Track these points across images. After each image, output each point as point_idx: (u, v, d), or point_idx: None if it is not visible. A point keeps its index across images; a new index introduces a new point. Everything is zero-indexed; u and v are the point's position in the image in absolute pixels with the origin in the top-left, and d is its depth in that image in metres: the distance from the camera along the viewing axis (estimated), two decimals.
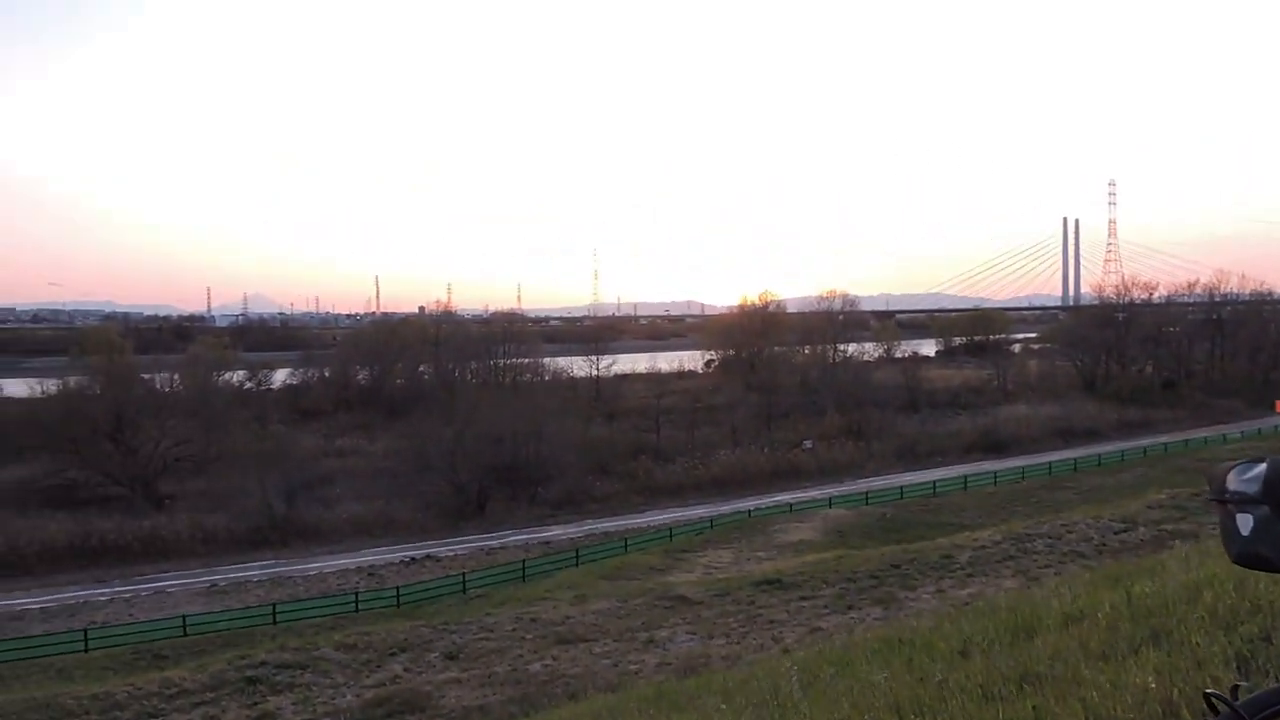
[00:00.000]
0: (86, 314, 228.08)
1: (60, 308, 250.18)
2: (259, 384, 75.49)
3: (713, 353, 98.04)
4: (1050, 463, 56.13)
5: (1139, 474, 51.87)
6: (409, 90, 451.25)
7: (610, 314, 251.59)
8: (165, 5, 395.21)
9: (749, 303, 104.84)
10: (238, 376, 73.88)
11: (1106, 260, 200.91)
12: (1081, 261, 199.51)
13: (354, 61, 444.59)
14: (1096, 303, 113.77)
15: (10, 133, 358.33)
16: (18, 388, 70.24)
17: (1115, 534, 29.06)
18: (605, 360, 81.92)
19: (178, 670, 22.67)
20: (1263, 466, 1.67)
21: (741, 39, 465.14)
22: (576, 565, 35.96)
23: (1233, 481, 1.72)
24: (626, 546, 38.67)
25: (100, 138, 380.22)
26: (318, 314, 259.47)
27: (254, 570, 38.12)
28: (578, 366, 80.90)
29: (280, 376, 79.52)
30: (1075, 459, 57.26)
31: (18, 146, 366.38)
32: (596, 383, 78.51)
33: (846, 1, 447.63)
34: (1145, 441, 63.23)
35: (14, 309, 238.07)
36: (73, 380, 60.52)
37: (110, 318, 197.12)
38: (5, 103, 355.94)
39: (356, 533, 43.16)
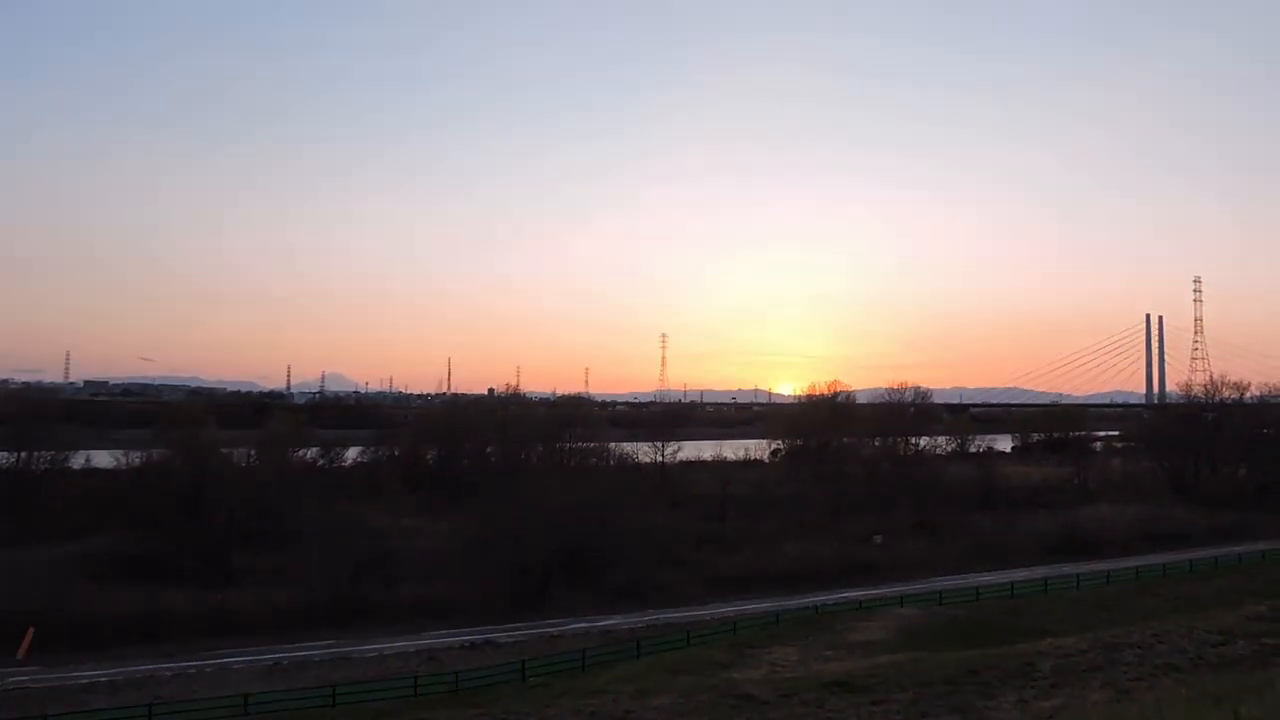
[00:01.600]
0: (174, 388, 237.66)
1: (149, 382, 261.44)
2: (331, 461, 76.99)
3: (780, 442, 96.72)
4: (1137, 567, 53.36)
5: (1235, 582, 48.87)
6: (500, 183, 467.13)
7: (677, 400, 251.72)
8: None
9: (818, 391, 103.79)
10: (311, 453, 75.52)
11: (1193, 358, 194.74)
12: (1166, 359, 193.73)
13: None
14: (1183, 401, 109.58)
15: (108, 214, 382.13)
16: (105, 459, 73.02)
17: (1212, 646, 27.16)
18: (671, 447, 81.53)
19: None
20: None
21: (822, 124, 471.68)
22: (638, 657, 35.10)
23: None
24: (689, 639, 37.65)
25: (190, 220, 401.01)
26: (391, 393, 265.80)
27: (316, 649, 38.12)
28: (644, 452, 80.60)
29: (352, 454, 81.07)
30: (1164, 564, 54.34)
31: (116, 227, 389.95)
32: (662, 469, 78.01)
33: (942, 93, 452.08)
34: (1240, 548, 59.78)
35: (106, 382, 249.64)
36: (155, 453, 62.71)
37: (196, 393, 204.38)
38: (105, 187, 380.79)
39: (418, 614, 42.96)
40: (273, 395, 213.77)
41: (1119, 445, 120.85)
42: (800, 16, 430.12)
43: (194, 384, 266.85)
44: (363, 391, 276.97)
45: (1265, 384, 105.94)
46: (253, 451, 66.65)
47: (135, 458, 62.69)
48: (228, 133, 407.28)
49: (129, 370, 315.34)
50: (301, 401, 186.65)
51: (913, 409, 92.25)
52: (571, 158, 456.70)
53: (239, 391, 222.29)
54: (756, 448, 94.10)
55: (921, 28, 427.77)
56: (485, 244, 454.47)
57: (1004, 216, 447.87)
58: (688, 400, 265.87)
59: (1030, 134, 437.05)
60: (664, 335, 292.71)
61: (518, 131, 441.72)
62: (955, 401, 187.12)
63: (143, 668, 35.34)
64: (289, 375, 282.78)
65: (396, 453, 79.95)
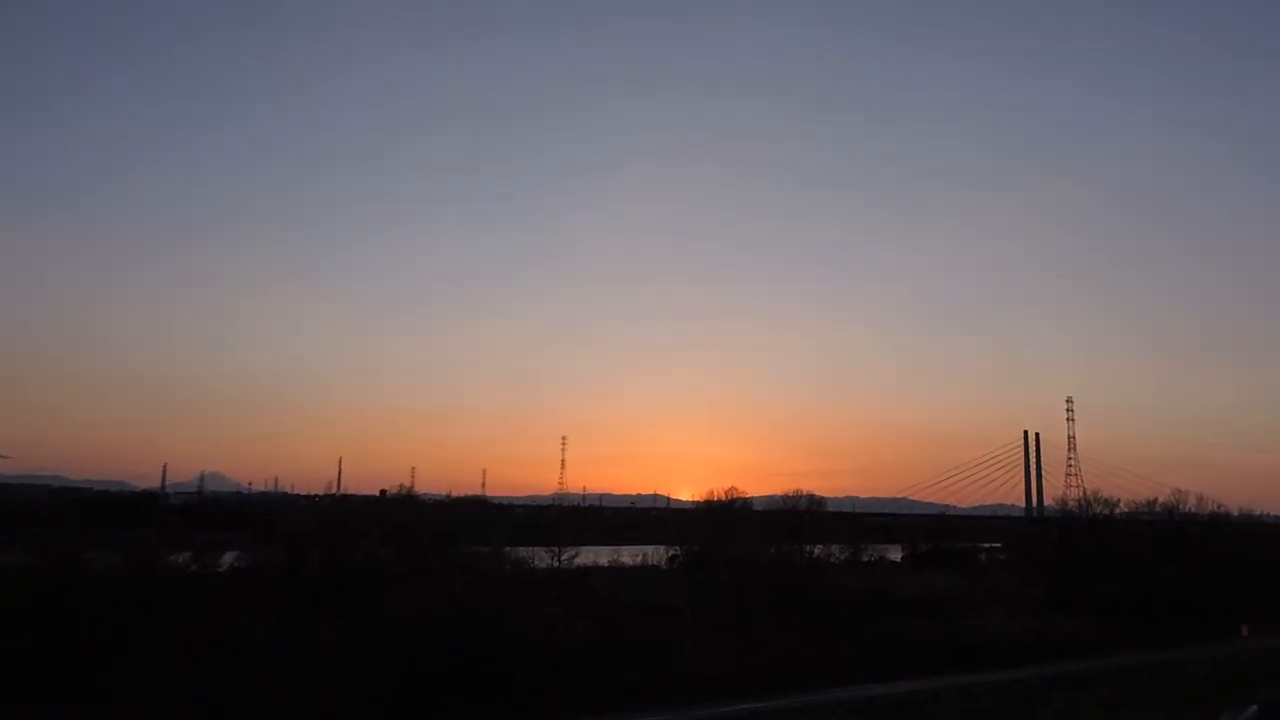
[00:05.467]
0: (34, 487, 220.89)
1: (6, 481, 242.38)
2: (207, 566, 72.40)
3: (677, 547, 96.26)
4: (1022, 678, 54.49)
5: (1113, 694, 50.37)
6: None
7: (576, 503, 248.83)
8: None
9: (715, 497, 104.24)
10: (184, 558, 70.81)
11: (1067, 474, 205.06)
12: (1044, 474, 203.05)
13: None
14: (1059, 514, 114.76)
15: None
16: None
17: None
18: (568, 551, 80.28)
19: None
20: (1254, 709, 1.75)
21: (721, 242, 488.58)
22: None
23: None
24: None
25: (53, 305, 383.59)
26: (276, 494, 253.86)
27: None
28: (540, 557, 79.03)
29: (231, 558, 76.57)
30: (1047, 675, 55.71)
31: None
32: (559, 574, 76.41)
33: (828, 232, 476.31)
34: (1113, 661, 61.94)
35: None
36: (9, 558, 57.49)
37: (59, 493, 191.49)
38: None
39: None
40: (145, 496, 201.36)
41: (1003, 557, 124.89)
42: (697, 134, 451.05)
43: (57, 483, 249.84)
44: (245, 492, 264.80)
45: (1133, 500, 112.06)
46: (119, 557, 62.11)
47: None
48: (99, 215, 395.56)
49: None
50: (178, 503, 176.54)
51: (807, 517, 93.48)
52: (468, 253, 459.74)
53: (107, 491, 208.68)
54: (654, 553, 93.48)
55: (824, 139, 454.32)
56: (378, 340, 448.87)
57: (892, 330, 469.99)
58: (587, 504, 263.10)
59: (920, 259, 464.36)
60: (564, 437, 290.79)
61: (411, 225, 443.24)
62: (848, 510, 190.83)
63: None
64: (164, 474, 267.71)
65: (280, 557, 75.86)
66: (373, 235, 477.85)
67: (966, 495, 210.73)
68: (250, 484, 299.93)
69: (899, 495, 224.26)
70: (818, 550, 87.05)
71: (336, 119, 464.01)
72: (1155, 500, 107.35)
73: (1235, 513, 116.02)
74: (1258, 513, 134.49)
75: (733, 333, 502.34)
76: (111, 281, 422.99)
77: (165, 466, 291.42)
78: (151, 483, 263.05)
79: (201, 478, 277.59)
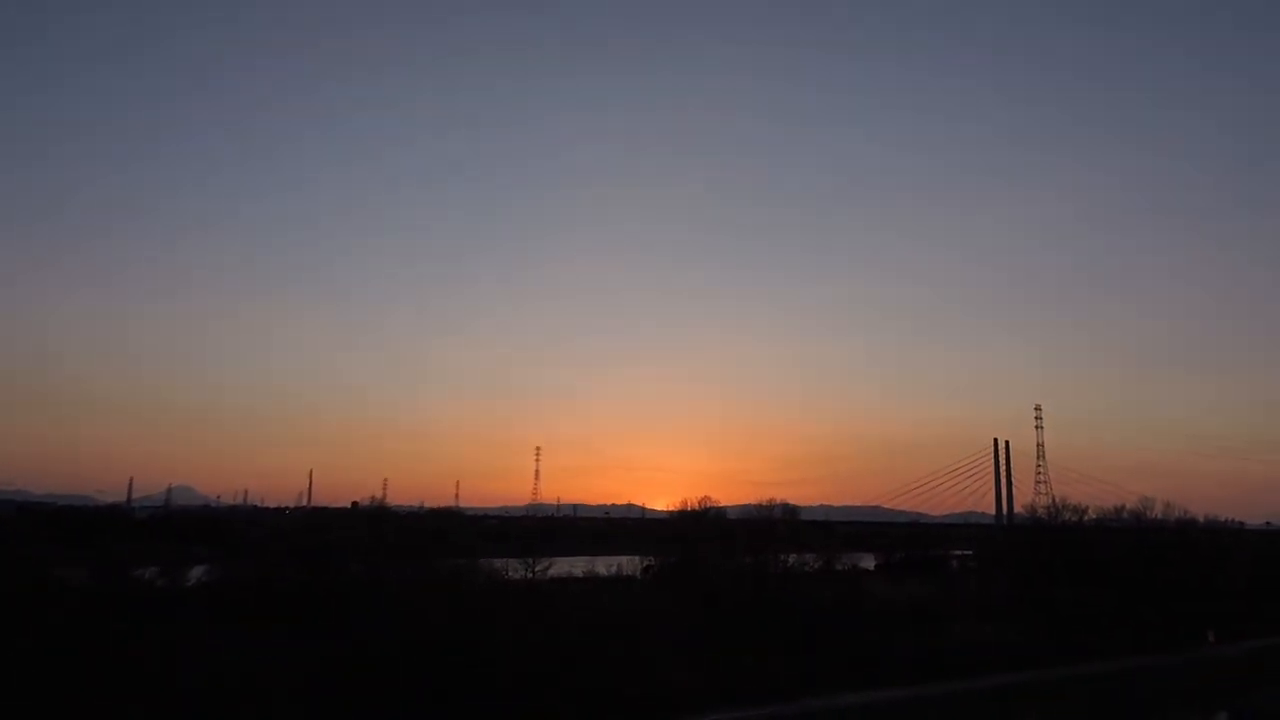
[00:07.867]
0: None
1: None
2: (173, 581, 71.18)
3: (652, 558, 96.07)
4: (995, 687, 54.76)
5: (1086, 703, 50.79)
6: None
7: (551, 514, 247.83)
8: None
9: (690, 506, 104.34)
10: (150, 572, 69.66)
11: (1036, 481, 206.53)
12: (1013, 481, 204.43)
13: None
14: (1029, 521, 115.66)
15: None
16: None
17: None
18: (542, 563, 79.80)
19: None
20: (1224, 715, 1.74)
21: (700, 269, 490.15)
22: None
23: None
24: None
25: (11, 317, 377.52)
26: (245, 507, 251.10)
27: None
28: (514, 568, 78.51)
29: (199, 574, 75.38)
30: (1020, 683, 56.04)
31: None
32: (533, 586, 75.90)
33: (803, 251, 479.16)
34: (1086, 669, 62.40)
35: None
36: None
37: (22, 508, 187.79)
38: None
39: None
40: (111, 510, 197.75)
41: (974, 565, 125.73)
42: (668, 149, 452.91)
43: (20, 499, 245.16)
44: (214, 505, 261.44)
45: (1101, 506, 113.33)
46: (85, 572, 61.00)
47: None
48: (65, 228, 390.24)
49: None
50: (144, 517, 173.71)
51: (781, 526, 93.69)
52: (439, 267, 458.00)
53: (71, 506, 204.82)
54: (628, 563, 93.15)
55: (798, 154, 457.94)
56: (349, 352, 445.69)
57: (864, 341, 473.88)
58: (561, 514, 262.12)
59: (890, 271, 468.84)
60: (538, 448, 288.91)
61: (381, 240, 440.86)
62: (821, 519, 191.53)
63: None
64: (130, 488, 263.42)
65: (249, 571, 74.76)
66: (343, 250, 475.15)
67: (938, 503, 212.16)
68: (219, 497, 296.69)
69: (872, 504, 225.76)
70: (792, 559, 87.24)
71: (306, 137, 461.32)
72: (1123, 507, 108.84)
73: (1201, 519, 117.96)
74: (1223, 519, 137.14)
75: (707, 345, 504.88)
76: (75, 294, 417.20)
77: (131, 480, 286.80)
78: (118, 497, 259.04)
79: (169, 491, 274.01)
